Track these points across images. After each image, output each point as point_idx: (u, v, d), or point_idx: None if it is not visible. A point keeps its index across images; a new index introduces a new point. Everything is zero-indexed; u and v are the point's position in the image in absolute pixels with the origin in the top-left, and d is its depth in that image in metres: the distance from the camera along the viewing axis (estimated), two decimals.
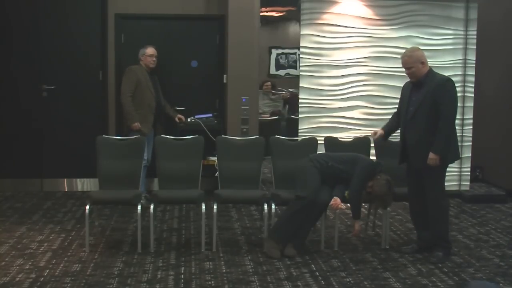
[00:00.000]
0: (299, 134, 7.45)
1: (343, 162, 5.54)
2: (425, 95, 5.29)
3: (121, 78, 7.87)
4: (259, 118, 7.93)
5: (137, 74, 7.04)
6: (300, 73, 7.57)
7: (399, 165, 5.54)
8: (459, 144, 5.65)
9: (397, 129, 5.67)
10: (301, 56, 7.57)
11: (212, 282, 4.81)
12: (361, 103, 7.61)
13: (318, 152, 5.99)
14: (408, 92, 5.46)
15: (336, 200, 5.40)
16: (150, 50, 7.15)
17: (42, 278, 4.82)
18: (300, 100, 7.57)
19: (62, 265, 5.13)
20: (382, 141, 5.76)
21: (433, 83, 5.30)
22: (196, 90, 7.89)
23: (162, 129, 7.14)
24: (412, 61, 5.34)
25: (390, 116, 5.83)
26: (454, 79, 5.53)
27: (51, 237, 5.87)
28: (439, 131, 5.23)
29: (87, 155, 7.05)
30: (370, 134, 5.81)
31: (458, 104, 5.61)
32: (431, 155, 5.22)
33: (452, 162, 5.62)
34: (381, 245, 5.75)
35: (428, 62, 5.44)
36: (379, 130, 5.73)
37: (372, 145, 6.15)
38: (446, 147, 5.28)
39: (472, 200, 7.55)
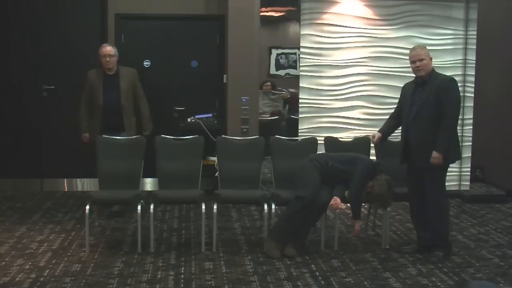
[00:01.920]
0: (299, 134, 7.46)
1: (343, 162, 5.54)
2: (428, 94, 5.30)
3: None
4: (259, 118, 7.93)
5: (91, 78, 6.70)
6: (300, 73, 7.57)
7: (400, 164, 5.54)
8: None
9: (395, 130, 5.67)
10: (301, 56, 7.57)
11: (212, 282, 4.81)
12: (361, 103, 7.62)
13: (318, 152, 6.00)
14: (410, 92, 5.46)
15: (336, 200, 5.40)
16: (103, 50, 6.65)
17: (42, 278, 4.82)
18: (300, 100, 7.57)
19: (62, 265, 5.13)
20: (380, 144, 5.77)
21: (436, 82, 5.31)
22: (196, 90, 7.89)
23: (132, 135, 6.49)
24: (425, 53, 5.39)
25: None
26: None
27: (51, 237, 5.87)
28: (442, 130, 5.24)
29: (87, 155, 7.04)
30: (369, 135, 5.82)
31: None
32: (435, 154, 5.23)
33: (454, 162, 5.62)
34: (381, 245, 5.75)
35: None
36: (376, 133, 5.73)
37: (372, 145, 6.15)
38: (448, 147, 5.28)
39: (472, 200, 7.55)
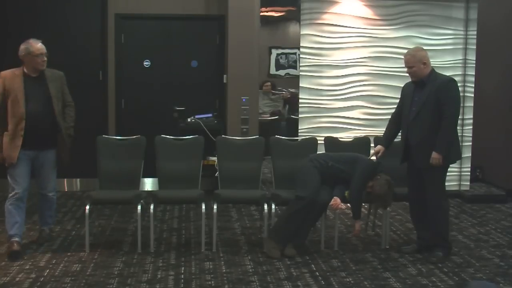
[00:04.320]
0: (299, 134, 7.46)
1: (343, 162, 5.54)
2: (428, 95, 5.29)
3: (121, 79, 7.89)
4: (259, 118, 7.93)
5: (5, 82, 5.37)
6: (300, 73, 7.57)
7: (400, 164, 5.54)
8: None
9: (397, 134, 5.65)
10: (301, 56, 7.57)
11: (212, 282, 4.81)
12: (361, 103, 7.62)
13: (318, 152, 6.00)
14: (410, 93, 5.46)
15: (336, 200, 5.40)
16: (37, 48, 5.41)
17: (42, 278, 4.82)
18: (300, 100, 7.58)
19: (62, 265, 5.13)
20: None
21: (435, 83, 5.30)
22: (196, 90, 7.89)
23: (67, 152, 5.63)
24: (414, 60, 5.34)
25: (390, 116, 5.82)
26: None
27: None
28: (442, 131, 5.23)
29: (87, 155, 7.04)
30: (372, 152, 5.77)
31: None
32: (435, 155, 5.23)
33: (454, 162, 5.63)
34: (381, 245, 5.75)
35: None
36: (379, 148, 5.67)
37: (372, 145, 6.15)
38: (449, 147, 5.28)
39: (472, 200, 7.55)
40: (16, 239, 5.30)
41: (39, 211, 5.78)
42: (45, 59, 5.44)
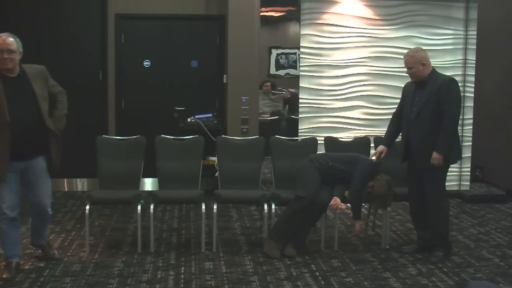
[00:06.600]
0: (299, 134, 7.46)
1: (343, 162, 5.54)
2: (428, 95, 5.29)
3: (121, 79, 7.88)
4: (259, 118, 7.93)
5: None
6: (300, 73, 7.57)
7: (401, 164, 5.54)
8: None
9: (399, 133, 5.64)
10: (301, 56, 7.57)
11: (212, 282, 4.81)
12: (361, 103, 7.62)
13: (318, 152, 6.00)
14: (411, 93, 5.45)
15: (336, 200, 5.40)
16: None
17: (42, 278, 4.82)
18: (300, 100, 7.58)
19: (62, 265, 5.13)
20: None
21: (436, 83, 5.30)
22: (196, 90, 7.90)
23: (58, 155, 5.09)
24: (412, 61, 5.34)
25: (390, 116, 5.81)
26: None
27: (51, 237, 5.86)
28: (442, 131, 5.23)
29: (87, 155, 7.04)
30: (376, 152, 5.74)
31: None
32: (435, 155, 5.22)
33: (455, 162, 5.63)
34: (381, 245, 5.75)
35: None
36: (382, 148, 5.64)
37: (372, 145, 6.15)
38: (449, 147, 5.28)
39: (472, 200, 7.55)
40: (16, 260, 4.85)
41: (35, 228, 5.10)
42: (7, 56, 4.55)
